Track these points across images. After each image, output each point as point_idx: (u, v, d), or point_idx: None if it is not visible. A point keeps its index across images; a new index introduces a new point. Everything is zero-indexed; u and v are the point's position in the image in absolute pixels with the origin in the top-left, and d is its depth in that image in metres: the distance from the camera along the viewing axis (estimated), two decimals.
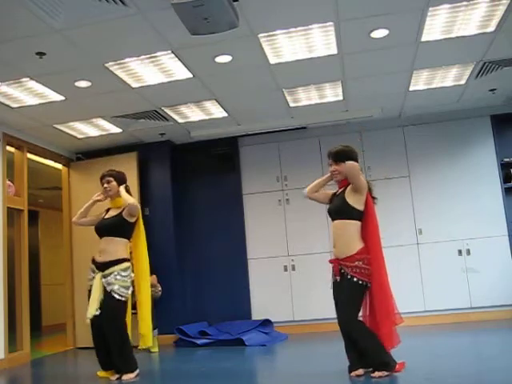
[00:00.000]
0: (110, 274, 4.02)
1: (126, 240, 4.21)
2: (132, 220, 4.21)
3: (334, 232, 3.68)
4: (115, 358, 4.04)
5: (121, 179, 4.36)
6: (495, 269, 6.10)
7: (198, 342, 5.88)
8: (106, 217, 4.28)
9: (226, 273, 6.64)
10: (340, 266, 3.54)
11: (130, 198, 4.19)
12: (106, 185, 4.30)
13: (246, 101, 5.58)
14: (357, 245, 3.54)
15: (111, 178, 4.30)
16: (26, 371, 5.26)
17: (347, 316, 3.50)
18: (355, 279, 3.46)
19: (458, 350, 4.59)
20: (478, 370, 3.75)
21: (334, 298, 3.63)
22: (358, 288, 3.49)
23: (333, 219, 3.71)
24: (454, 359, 4.13)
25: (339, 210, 3.64)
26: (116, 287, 3.99)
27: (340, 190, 3.75)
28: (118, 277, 4.02)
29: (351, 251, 3.52)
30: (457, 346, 4.78)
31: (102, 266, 4.05)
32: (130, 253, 4.33)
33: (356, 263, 3.48)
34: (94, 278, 4.06)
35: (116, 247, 4.11)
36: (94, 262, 4.13)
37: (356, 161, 3.66)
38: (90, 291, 4.08)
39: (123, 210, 4.20)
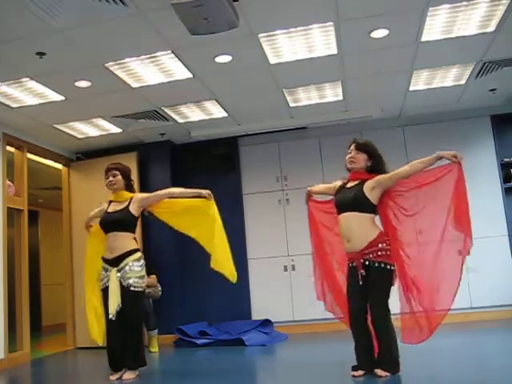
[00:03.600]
0: (125, 266, 4.02)
1: (132, 234, 4.20)
2: (137, 214, 4.23)
3: (344, 225, 3.54)
4: (128, 354, 4.05)
5: (127, 174, 4.34)
6: (495, 269, 6.09)
7: (198, 342, 5.88)
8: (110, 211, 4.23)
9: None
10: (363, 259, 3.42)
11: None
12: (111, 178, 4.24)
13: (246, 101, 5.58)
14: (375, 230, 3.49)
15: (117, 172, 4.26)
16: (26, 371, 5.26)
17: (383, 308, 3.41)
18: (383, 265, 3.39)
19: (458, 350, 4.59)
20: (478, 370, 3.75)
21: (353, 293, 3.51)
22: (388, 275, 3.42)
23: (343, 211, 3.57)
24: (454, 359, 4.13)
25: (355, 201, 3.50)
26: (131, 281, 4.00)
27: (353, 183, 3.63)
28: (133, 268, 4.03)
29: (371, 237, 3.44)
30: (457, 346, 4.78)
31: (116, 261, 4.04)
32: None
33: (380, 246, 3.42)
34: (107, 275, 4.04)
35: (124, 241, 4.10)
36: (105, 260, 4.11)
37: (379, 157, 3.66)
38: (103, 290, 4.08)
39: (129, 203, 4.20)
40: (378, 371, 3.39)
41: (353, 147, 3.68)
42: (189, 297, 6.61)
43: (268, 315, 6.33)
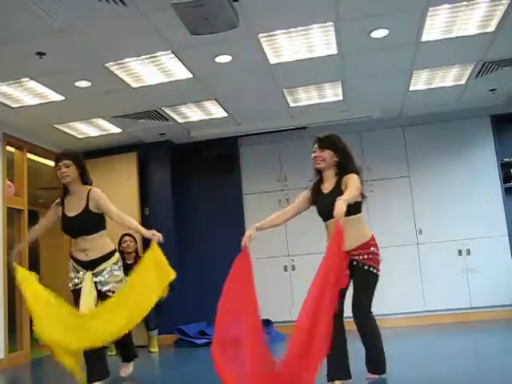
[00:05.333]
0: (102, 271, 3.65)
1: (103, 231, 3.75)
2: (99, 211, 3.69)
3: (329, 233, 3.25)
4: (123, 349, 4.09)
5: (80, 162, 3.74)
6: (495, 269, 6.10)
7: (198, 341, 5.88)
8: (70, 215, 3.69)
9: (226, 273, 6.60)
10: (351, 259, 3.22)
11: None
12: (64, 169, 3.63)
13: (246, 101, 5.58)
14: (367, 232, 3.29)
15: (69, 161, 3.65)
16: (26, 371, 5.26)
17: (365, 309, 3.25)
18: (371, 268, 3.21)
19: (458, 350, 4.59)
20: (478, 370, 3.75)
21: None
22: (373, 277, 3.24)
23: (329, 219, 3.22)
24: (454, 359, 4.12)
25: None
26: (111, 286, 3.68)
27: (330, 188, 3.32)
28: (112, 272, 3.70)
29: (365, 238, 3.24)
30: (457, 346, 4.77)
31: (91, 265, 3.64)
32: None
33: (371, 249, 3.23)
34: (79, 277, 3.64)
35: (98, 242, 3.68)
36: (76, 261, 3.68)
37: (343, 150, 3.34)
38: (74, 291, 3.67)
39: (87, 200, 3.67)
40: (368, 374, 3.32)
41: (316, 146, 3.39)
42: (189, 297, 6.61)
43: (268, 315, 6.33)
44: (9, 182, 5.63)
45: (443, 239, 6.28)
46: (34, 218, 8.87)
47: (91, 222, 3.68)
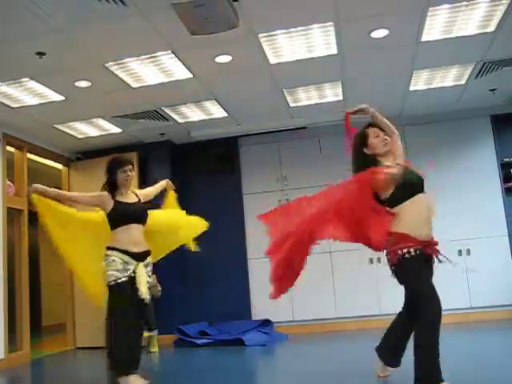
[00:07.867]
0: (148, 264, 3.89)
1: None
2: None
3: (422, 209, 3.21)
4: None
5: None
6: (495, 269, 6.10)
7: (198, 341, 5.88)
8: (129, 201, 3.94)
9: (226, 273, 6.64)
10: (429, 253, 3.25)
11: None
12: (129, 173, 3.96)
13: (246, 101, 5.58)
14: None
15: (132, 167, 4.05)
16: (26, 371, 5.26)
17: None
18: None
19: (458, 350, 4.59)
20: (478, 371, 3.75)
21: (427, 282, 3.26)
22: None
23: (417, 192, 3.19)
24: (454, 359, 4.12)
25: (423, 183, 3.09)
26: (151, 279, 4.02)
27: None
28: (150, 268, 3.94)
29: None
30: (456, 346, 4.78)
31: (142, 256, 3.83)
32: None
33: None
34: (129, 269, 3.74)
35: (143, 237, 3.92)
36: (126, 252, 3.77)
37: None
38: (120, 284, 3.71)
39: (138, 198, 4.04)
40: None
41: (377, 129, 3.26)
42: (189, 297, 6.61)
43: (268, 315, 6.33)
44: (9, 182, 5.64)
45: (443, 239, 6.26)
46: (34, 218, 8.89)
47: (146, 211, 3.99)
